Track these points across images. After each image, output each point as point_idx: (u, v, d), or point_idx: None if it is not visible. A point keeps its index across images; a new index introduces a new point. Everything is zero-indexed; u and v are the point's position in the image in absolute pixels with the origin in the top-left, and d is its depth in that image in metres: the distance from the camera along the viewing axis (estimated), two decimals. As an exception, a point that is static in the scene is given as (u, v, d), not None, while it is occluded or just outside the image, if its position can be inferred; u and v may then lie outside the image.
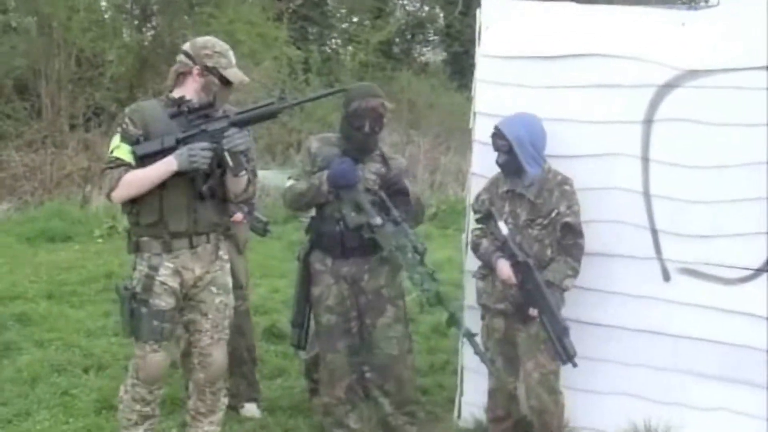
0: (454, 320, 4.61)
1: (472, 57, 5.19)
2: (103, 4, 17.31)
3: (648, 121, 4.73)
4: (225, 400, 4.44)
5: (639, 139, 4.75)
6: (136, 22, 17.95)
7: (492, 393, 4.85)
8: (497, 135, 4.64)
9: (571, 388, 4.76)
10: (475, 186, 5.08)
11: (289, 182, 4.74)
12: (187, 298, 4.23)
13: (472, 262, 5.12)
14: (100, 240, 10.86)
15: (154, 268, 4.12)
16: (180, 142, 4.02)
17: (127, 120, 4.09)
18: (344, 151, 4.69)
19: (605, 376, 4.87)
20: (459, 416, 5.28)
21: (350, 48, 22.03)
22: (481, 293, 4.81)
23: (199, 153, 3.96)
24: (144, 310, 4.10)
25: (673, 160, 4.68)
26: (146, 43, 17.45)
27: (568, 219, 4.60)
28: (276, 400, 5.57)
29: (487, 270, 4.75)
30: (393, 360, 4.84)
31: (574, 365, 4.52)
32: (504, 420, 4.87)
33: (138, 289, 4.12)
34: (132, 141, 4.04)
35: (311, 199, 4.68)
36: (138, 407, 4.23)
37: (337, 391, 4.83)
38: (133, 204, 4.11)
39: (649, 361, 4.82)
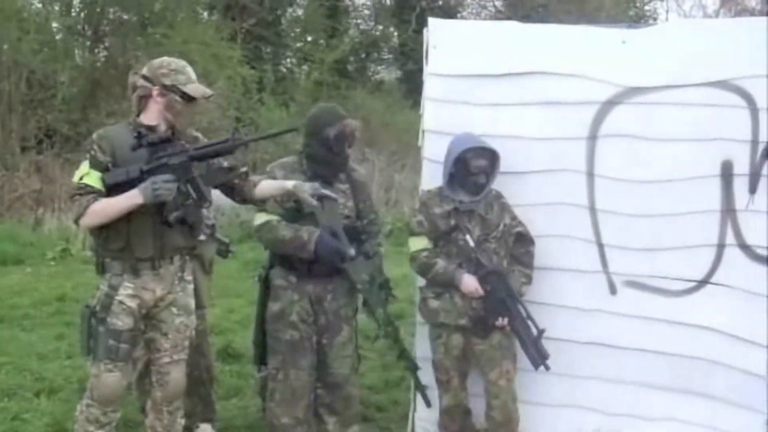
0: (404, 355, 4.80)
1: (424, 76, 5.26)
2: (55, 25, 17.21)
3: (592, 137, 4.83)
4: (182, 421, 4.41)
5: (584, 155, 4.85)
6: (88, 43, 17.86)
7: (448, 410, 4.87)
8: (482, 156, 4.68)
9: (522, 400, 4.80)
10: (426, 203, 5.13)
11: (262, 216, 4.66)
12: (148, 317, 4.23)
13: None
14: (52, 263, 10.77)
15: (114, 288, 4.12)
16: (144, 173, 4.03)
17: (95, 147, 4.08)
18: (314, 175, 4.66)
19: (555, 388, 4.93)
20: (413, 432, 5.31)
21: (305, 67, 22.06)
22: (438, 312, 4.80)
23: (162, 186, 3.96)
24: (101, 328, 4.09)
25: (617, 176, 4.79)
26: (99, 64, 17.39)
27: (519, 229, 4.73)
28: (231, 420, 5.55)
29: (442, 288, 4.78)
30: (344, 379, 4.85)
31: (547, 368, 4.62)
32: None
33: (97, 308, 4.12)
34: (101, 167, 4.04)
35: (292, 250, 4.62)
36: (91, 429, 4.18)
37: (297, 411, 4.76)
38: (101, 229, 4.11)
39: (597, 373, 4.91)
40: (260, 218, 4.69)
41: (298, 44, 23.66)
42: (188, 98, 4.15)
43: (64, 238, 11.35)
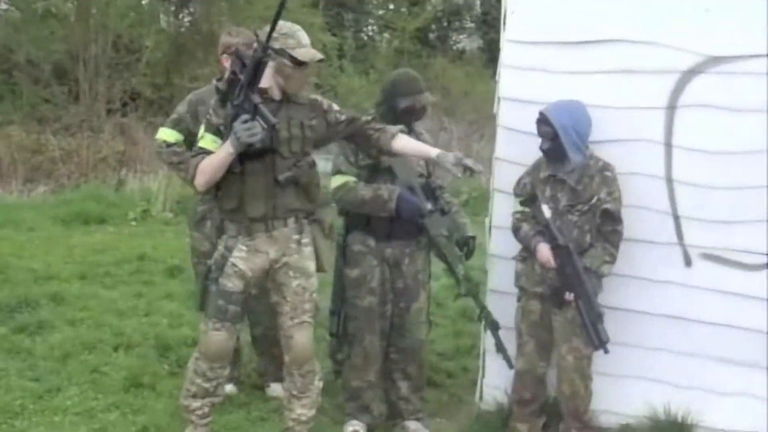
0: (485, 314, 4.88)
1: (503, 43, 5.21)
2: (141, -11, 17.45)
3: (671, 107, 4.74)
4: (318, 384, 4.44)
5: (662, 124, 4.76)
6: (173, 8, 18.08)
7: (520, 375, 4.87)
8: (542, 121, 4.65)
9: (592, 371, 4.77)
10: (499, 171, 5.13)
11: (339, 178, 4.72)
12: (271, 281, 4.32)
13: (496, 246, 5.16)
14: (133, 223, 10.98)
15: (229, 250, 4.24)
16: (231, 125, 4.08)
17: (211, 111, 4.22)
18: None
19: (625, 360, 4.87)
20: (481, 399, 5.31)
21: (386, 35, 22.02)
22: (520, 275, 4.84)
23: (239, 128, 3.98)
24: (213, 288, 4.23)
25: (696, 146, 4.71)
26: (183, 29, 17.59)
27: (608, 206, 4.64)
28: (302, 381, 5.62)
29: (527, 253, 4.78)
30: (420, 345, 4.91)
31: (606, 351, 4.57)
32: (530, 403, 4.88)
33: (213, 268, 4.26)
34: (213, 130, 4.16)
35: (372, 210, 4.68)
36: (198, 381, 4.32)
37: (370, 375, 4.86)
38: (217, 189, 4.23)
39: (669, 346, 4.84)
40: (337, 180, 4.73)
41: (380, 12, 23.62)
42: (298, 62, 4.15)
43: (145, 199, 11.55)
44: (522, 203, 4.79)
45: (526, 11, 5.05)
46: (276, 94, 4.22)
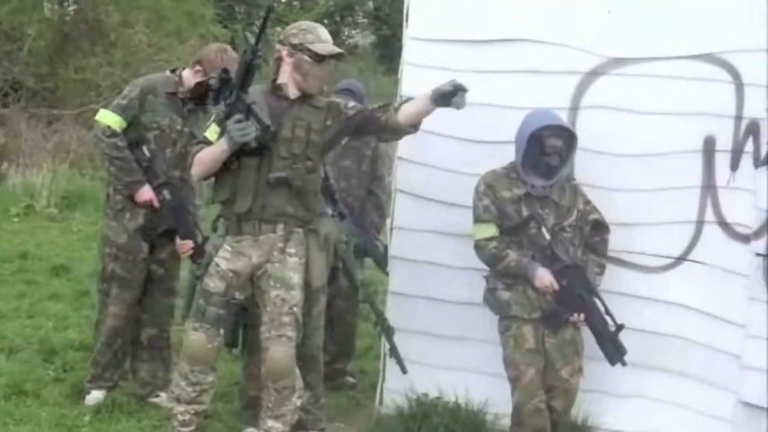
0: (381, 320, 4.86)
1: (401, 40, 5.15)
2: (24, -25, 16.84)
3: (574, 108, 4.75)
4: (296, 401, 4.29)
5: (564, 125, 4.75)
6: (57, -4, 17.53)
7: (520, 409, 4.50)
8: (557, 135, 4.43)
9: (495, 374, 4.71)
10: (402, 171, 5.07)
11: None
12: (256, 287, 4.24)
13: (397, 248, 5.06)
14: (16, 219, 10.62)
15: (216, 249, 4.19)
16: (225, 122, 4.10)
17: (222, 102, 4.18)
18: None
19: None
20: (381, 403, 5.20)
21: (278, 28, 21.81)
22: (510, 304, 4.51)
23: (232, 128, 3.99)
24: (198, 287, 4.19)
25: (597, 148, 4.71)
26: (68, 18, 17.06)
27: (595, 216, 4.57)
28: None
29: (512, 279, 4.50)
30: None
31: (624, 364, 4.51)
32: None
33: (201, 266, 4.23)
34: (219, 121, 4.12)
35: None
36: (182, 383, 4.21)
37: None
38: (215, 181, 4.24)
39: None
40: None
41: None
42: (317, 57, 4.14)
43: (28, 195, 11.17)
44: (512, 230, 4.48)
45: (428, 8, 5.02)
46: (291, 93, 4.21)
